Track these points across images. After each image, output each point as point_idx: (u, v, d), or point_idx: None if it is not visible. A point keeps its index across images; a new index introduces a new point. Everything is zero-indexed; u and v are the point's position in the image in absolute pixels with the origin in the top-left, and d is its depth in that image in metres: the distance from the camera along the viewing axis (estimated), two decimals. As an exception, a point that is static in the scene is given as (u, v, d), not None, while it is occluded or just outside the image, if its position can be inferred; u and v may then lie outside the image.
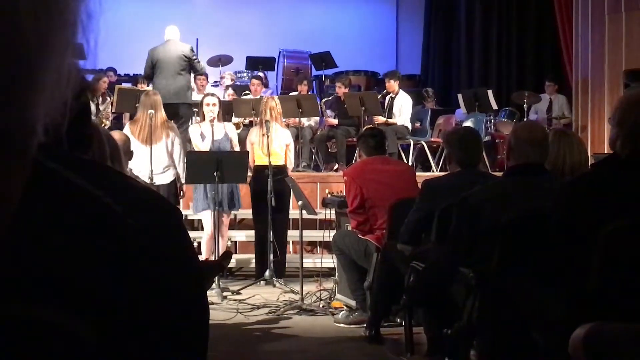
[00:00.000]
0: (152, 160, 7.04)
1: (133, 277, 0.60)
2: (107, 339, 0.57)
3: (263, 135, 7.39)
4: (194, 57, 9.60)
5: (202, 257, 7.24)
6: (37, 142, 0.51)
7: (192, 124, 8.57)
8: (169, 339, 0.66)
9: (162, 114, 7.27)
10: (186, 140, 7.84)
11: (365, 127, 8.31)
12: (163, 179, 7.26)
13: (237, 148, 7.76)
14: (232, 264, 7.86)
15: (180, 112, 9.26)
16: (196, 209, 7.51)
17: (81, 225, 0.59)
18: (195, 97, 9.89)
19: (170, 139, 7.28)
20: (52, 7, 0.48)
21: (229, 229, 8.56)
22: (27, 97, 0.48)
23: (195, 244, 8.09)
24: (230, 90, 11.75)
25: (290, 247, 8.43)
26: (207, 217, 7.48)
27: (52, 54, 0.49)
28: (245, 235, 8.62)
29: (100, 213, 0.60)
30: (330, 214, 6.90)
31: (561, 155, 4.20)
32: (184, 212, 8.41)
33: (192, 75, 10.13)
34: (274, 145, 7.47)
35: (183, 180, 7.33)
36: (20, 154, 0.49)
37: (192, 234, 8.43)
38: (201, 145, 7.45)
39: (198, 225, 8.19)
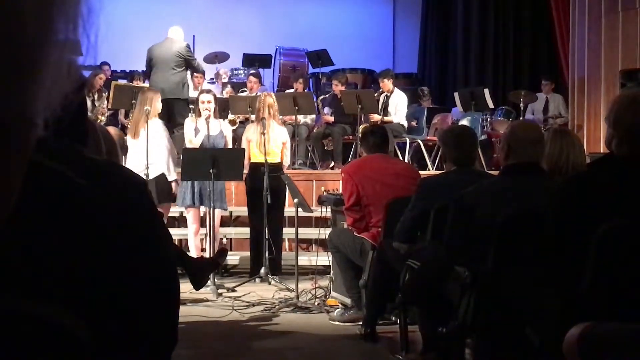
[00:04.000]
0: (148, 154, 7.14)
1: (111, 255, 0.61)
2: (95, 324, 0.58)
3: (261, 133, 7.38)
4: (189, 55, 9.63)
5: (190, 254, 7.23)
6: (37, 135, 0.51)
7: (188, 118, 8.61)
8: (141, 310, 0.67)
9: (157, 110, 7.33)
10: (182, 135, 7.84)
11: (366, 125, 8.31)
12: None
13: (229, 146, 7.77)
14: (227, 261, 7.85)
15: (175, 108, 9.30)
16: (182, 202, 7.49)
17: (69, 220, 0.59)
18: (192, 94, 9.89)
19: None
20: (53, 0, 0.48)
21: (225, 226, 8.56)
22: (27, 90, 0.48)
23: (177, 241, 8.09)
24: (228, 87, 11.74)
25: (286, 245, 8.43)
26: (190, 214, 7.49)
27: (52, 47, 0.49)
28: (240, 233, 8.61)
29: (85, 204, 0.61)
30: (326, 211, 6.90)
31: (564, 154, 4.20)
32: (178, 209, 8.40)
33: (189, 72, 10.16)
34: (271, 143, 7.47)
35: (170, 178, 7.34)
36: (20, 148, 0.49)
37: (178, 231, 8.41)
38: (194, 139, 7.45)
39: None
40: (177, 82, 9.45)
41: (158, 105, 7.33)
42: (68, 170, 0.61)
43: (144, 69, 10.30)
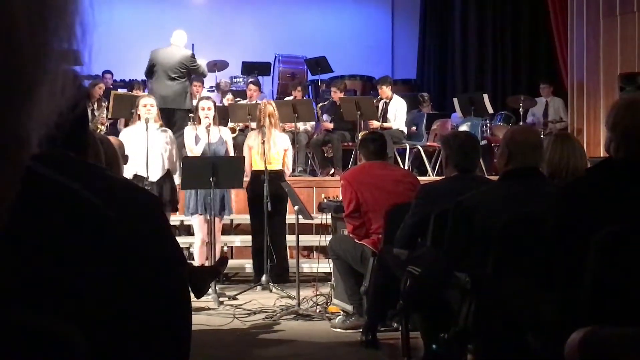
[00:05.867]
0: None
1: (116, 269, 0.61)
2: (96, 337, 0.58)
3: (262, 142, 7.38)
4: (193, 65, 9.48)
5: (195, 263, 7.23)
6: (31, 152, 0.51)
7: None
8: (151, 327, 0.67)
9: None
10: (181, 144, 7.83)
11: (365, 132, 8.32)
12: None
13: (231, 152, 7.76)
14: (229, 269, 7.85)
15: (175, 118, 9.20)
16: (187, 211, 7.51)
17: (68, 228, 0.59)
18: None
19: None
20: (47, 19, 0.49)
21: (226, 234, 8.55)
22: (22, 108, 0.48)
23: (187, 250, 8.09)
24: (230, 95, 11.75)
25: (287, 252, 8.42)
26: (196, 222, 7.48)
27: (47, 66, 0.49)
28: (241, 240, 8.61)
29: (85, 213, 0.61)
30: (326, 218, 6.90)
31: (565, 158, 4.20)
32: (178, 217, 8.40)
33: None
34: (272, 150, 7.47)
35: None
36: (14, 165, 0.50)
37: (185, 239, 8.42)
38: (195, 148, 7.45)
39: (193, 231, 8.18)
40: (177, 91, 9.30)
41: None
42: (81, 188, 0.61)
43: (144, 73, 10.16)
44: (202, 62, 10.19)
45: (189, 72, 9.49)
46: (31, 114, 0.49)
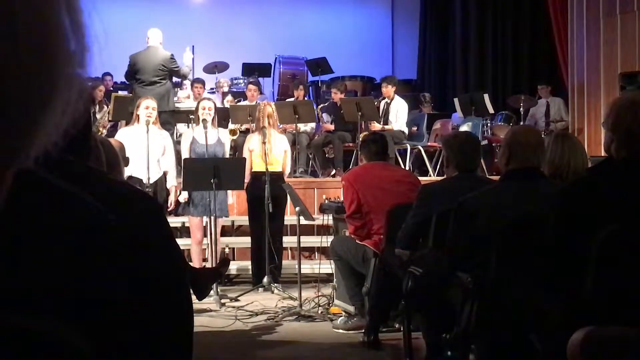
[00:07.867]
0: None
1: (118, 273, 0.61)
2: (99, 340, 0.58)
3: (263, 143, 7.37)
4: (174, 66, 9.35)
5: (192, 264, 7.23)
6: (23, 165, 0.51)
7: (173, 131, 8.55)
8: (154, 328, 0.67)
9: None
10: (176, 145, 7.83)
11: (366, 133, 8.32)
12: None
13: (227, 155, 7.74)
14: (230, 270, 7.84)
15: (160, 120, 9.12)
16: (194, 212, 7.50)
17: (68, 231, 0.59)
18: (192, 104, 9.87)
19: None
20: (74, 22, 0.48)
21: (227, 235, 8.55)
22: (36, 122, 0.48)
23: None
24: (230, 97, 11.75)
25: (288, 253, 8.42)
26: (194, 223, 7.47)
27: (66, 72, 0.49)
28: (243, 242, 8.61)
29: (85, 215, 0.61)
30: (327, 219, 6.90)
31: (565, 158, 4.20)
32: (179, 219, 8.40)
33: (181, 81, 10.01)
34: (273, 151, 7.47)
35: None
36: (3, 170, 0.49)
37: (180, 241, 8.41)
38: (186, 153, 7.44)
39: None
40: (161, 94, 9.13)
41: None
42: (82, 192, 0.61)
43: (124, 77, 10.03)
44: (187, 62, 9.85)
45: (171, 73, 9.39)
46: (43, 128, 0.48)
